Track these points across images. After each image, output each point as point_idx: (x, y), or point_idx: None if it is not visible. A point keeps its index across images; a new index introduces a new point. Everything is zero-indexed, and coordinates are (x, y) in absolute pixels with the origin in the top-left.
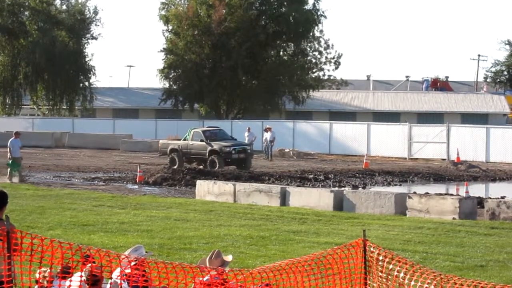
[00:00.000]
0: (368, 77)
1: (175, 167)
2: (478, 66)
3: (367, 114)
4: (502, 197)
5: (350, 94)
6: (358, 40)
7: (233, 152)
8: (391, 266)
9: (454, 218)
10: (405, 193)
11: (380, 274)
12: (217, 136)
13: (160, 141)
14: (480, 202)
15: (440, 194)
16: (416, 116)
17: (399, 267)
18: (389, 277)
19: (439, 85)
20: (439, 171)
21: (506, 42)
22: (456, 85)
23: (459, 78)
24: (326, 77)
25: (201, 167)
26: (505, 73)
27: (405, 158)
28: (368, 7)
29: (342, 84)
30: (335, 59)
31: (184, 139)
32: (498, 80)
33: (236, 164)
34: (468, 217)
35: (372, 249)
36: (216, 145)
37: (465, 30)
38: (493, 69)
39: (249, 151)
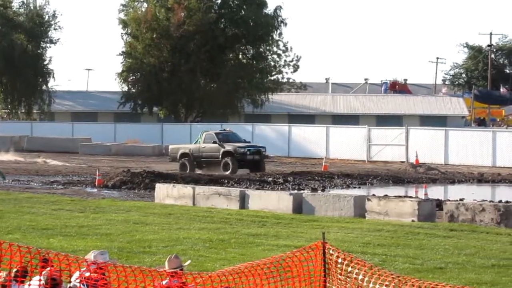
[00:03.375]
0: (327, 80)
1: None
2: (436, 68)
3: (326, 116)
4: (461, 199)
5: (309, 97)
6: (317, 43)
7: (248, 153)
8: (350, 269)
9: (413, 221)
10: (364, 196)
11: (339, 276)
12: (229, 138)
13: (170, 146)
14: (439, 204)
15: (399, 197)
16: (375, 118)
17: (358, 269)
18: (348, 279)
19: (398, 87)
20: (398, 173)
21: (465, 45)
22: (414, 87)
23: (417, 80)
24: (285, 80)
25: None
26: (464, 75)
27: (364, 161)
28: (326, 10)
29: (301, 87)
30: (294, 62)
31: (196, 143)
32: (457, 82)
33: (250, 167)
34: (427, 219)
35: (331, 251)
36: (229, 146)
37: (424, 33)
38: (452, 72)
39: (264, 153)
